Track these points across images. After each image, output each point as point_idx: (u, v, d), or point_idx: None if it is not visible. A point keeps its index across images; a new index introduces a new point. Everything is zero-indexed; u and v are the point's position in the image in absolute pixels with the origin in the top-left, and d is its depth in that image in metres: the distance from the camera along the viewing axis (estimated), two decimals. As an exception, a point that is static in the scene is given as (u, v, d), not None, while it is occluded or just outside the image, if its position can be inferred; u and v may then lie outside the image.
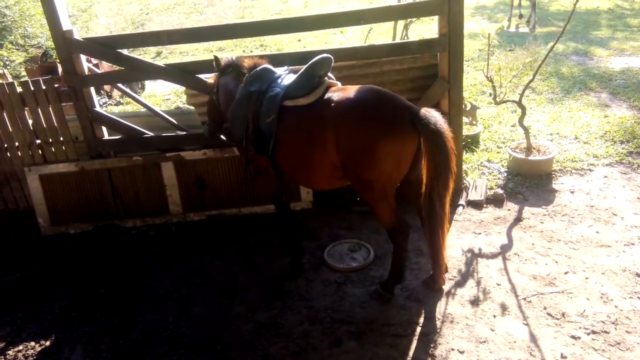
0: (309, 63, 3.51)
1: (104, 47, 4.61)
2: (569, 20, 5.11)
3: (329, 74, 3.56)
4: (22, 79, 7.73)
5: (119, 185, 4.94)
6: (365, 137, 3.16)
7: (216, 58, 3.97)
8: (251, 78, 3.69)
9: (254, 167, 3.85)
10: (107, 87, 8.97)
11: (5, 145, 4.93)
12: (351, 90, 3.33)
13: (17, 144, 4.92)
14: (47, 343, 3.59)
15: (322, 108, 3.32)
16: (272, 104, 3.48)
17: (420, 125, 3.11)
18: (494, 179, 5.24)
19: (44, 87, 4.71)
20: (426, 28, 11.71)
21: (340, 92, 3.38)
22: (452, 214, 4.54)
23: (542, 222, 4.44)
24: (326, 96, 3.38)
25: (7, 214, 5.20)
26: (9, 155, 4.97)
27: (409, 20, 6.08)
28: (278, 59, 4.23)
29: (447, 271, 3.73)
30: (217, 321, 3.62)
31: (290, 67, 3.92)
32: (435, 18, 4.63)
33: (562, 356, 3.04)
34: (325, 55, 3.53)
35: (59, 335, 3.66)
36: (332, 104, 3.29)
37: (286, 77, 3.69)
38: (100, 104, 8.10)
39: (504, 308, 3.46)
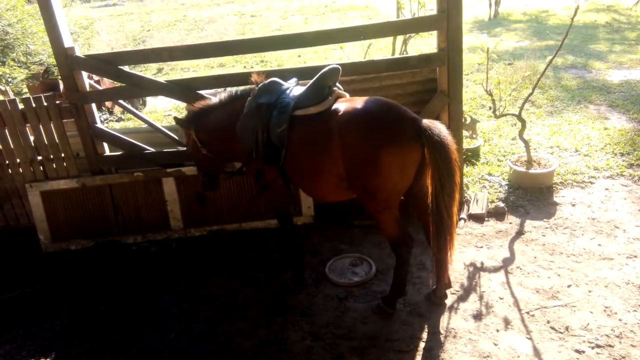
0: (319, 74, 3.55)
1: (105, 63, 4.64)
2: (567, 33, 5.15)
3: (338, 85, 3.59)
4: (24, 96, 7.79)
5: (120, 201, 4.94)
6: (370, 146, 3.18)
7: (176, 118, 4.18)
8: (260, 91, 3.71)
9: (262, 180, 3.82)
10: (108, 104, 9.01)
11: (7, 161, 4.94)
12: (358, 101, 3.37)
13: (18, 160, 4.93)
14: (47, 361, 3.56)
15: (330, 117, 3.36)
16: (283, 114, 3.50)
17: (424, 136, 3.13)
18: (495, 193, 5.24)
19: (45, 104, 4.74)
20: (425, 43, 11.80)
21: (347, 102, 3.42)
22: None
23: (543, 235, 4.42)
24: (334, 106, 3.42)
25: (8, 230, 5.20)
26: (10, 171, 4.98)
27: (408, 35, 6.12)
28: (279, 75, 4.24)
29: (450, 286, 3.71)
30: (218, 338, 3.59)
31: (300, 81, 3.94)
32: (434, 33, 4.67)
33: (566, 371, 3.02)
34: (333, 66, 3.58)
35: (59, 352, 3.62)
36: (339, 113, 3.33)
37: (294, 88, 3.71)
38: (102, 120, 8.13)
39: (507, 322, 3.44)
